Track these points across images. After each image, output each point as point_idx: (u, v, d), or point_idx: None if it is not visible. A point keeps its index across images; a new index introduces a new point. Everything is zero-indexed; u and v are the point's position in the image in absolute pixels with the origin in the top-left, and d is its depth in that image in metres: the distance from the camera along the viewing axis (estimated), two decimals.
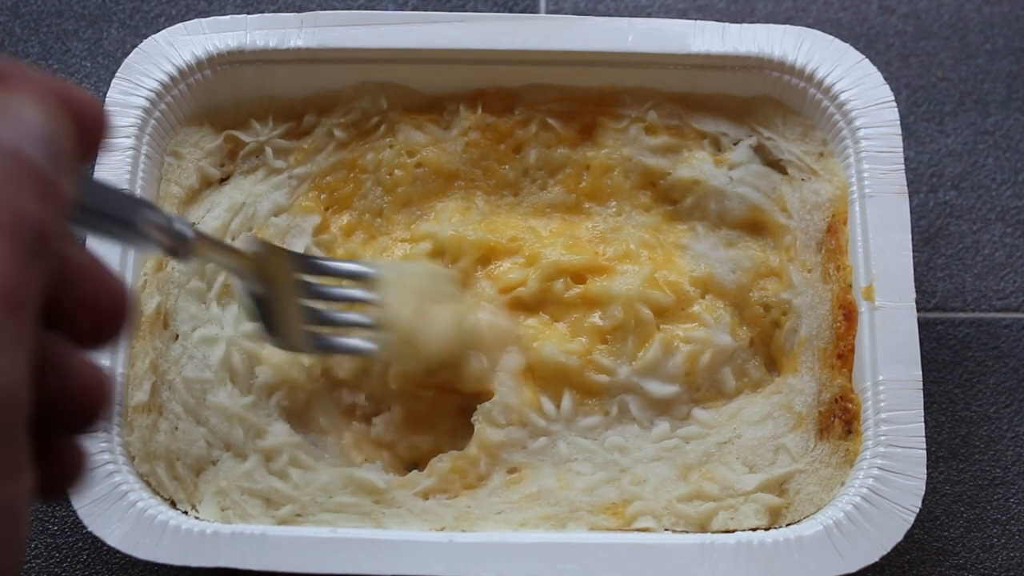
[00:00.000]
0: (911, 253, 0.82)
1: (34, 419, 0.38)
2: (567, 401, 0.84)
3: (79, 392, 0.42)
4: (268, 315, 0.68)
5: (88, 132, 0.43)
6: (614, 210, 0.91)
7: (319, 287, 0.74)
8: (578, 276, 0.87)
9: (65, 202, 0.39)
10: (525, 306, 0.87)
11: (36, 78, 0.41)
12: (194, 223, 0.55)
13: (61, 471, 0.43)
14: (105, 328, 0.43)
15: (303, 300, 0.72)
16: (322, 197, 0.91)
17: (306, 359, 0.83)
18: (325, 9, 1.00)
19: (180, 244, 0.54)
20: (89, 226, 0.45)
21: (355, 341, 0.76)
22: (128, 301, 0.43)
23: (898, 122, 0.85)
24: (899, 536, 0.75)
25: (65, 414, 0.42)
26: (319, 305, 0.74)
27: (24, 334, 0.36)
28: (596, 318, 0.86)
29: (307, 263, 0.73)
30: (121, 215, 0.48)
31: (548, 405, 0.84)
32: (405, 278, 0.78)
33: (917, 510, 0.76)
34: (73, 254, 0.42)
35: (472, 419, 0.84)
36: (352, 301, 0.76)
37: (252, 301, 0.67)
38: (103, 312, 0.42)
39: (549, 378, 0.85)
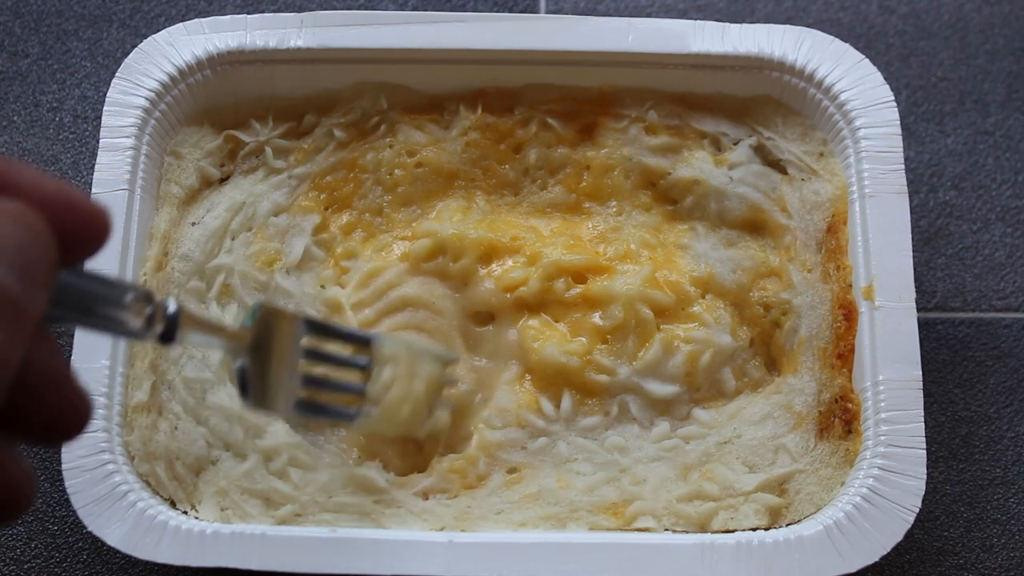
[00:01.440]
0: (911, 253, 0.82)
1: None
2: (567, 401, 0.84)
3: (7, 489, 0.42)
4: (253, 380, 0.66)
5: (85, 234, 0.43)
6: (614, 210, 0.91)
7: (317, 351, 0.73)
8: (579, 276, 0.87)
9: (31, 321, 0.39)
10: (527, 305, 0.87)
11: (35, 186, 0.41)
12: (180, 303, 0.54)
13: None
14: (60, 434, 0.43)
15: (298, 363, 0.70)
16: (322, 197, 0.91)
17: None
18: (325, 9, 1.00)
19: (168, 325, 0.53)
20: (69, 321, 0.45)
21: (337, 408, 0.74)
22: (87, 415, 0.43)
23: (898, 122, 0.85)
24: (899, 536, 0.75)
25: None
26: (316, 371, 0.72)
27: None
28: (596, 318, 0.86)
29: (312, 326, 0.72)
30: (103, 311, 0.47)
31: (547, 406, 0.84)
32: (402, 354, 0.77)
33: (917, 510, 0.76)
34: (37, 357, 0.42)
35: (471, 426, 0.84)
36: (348, 366, 0.74)
37: (239, 371, 0.66)
38: (66, 417, 0.43)
39: (549, 379, 0.85)
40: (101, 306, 0.47)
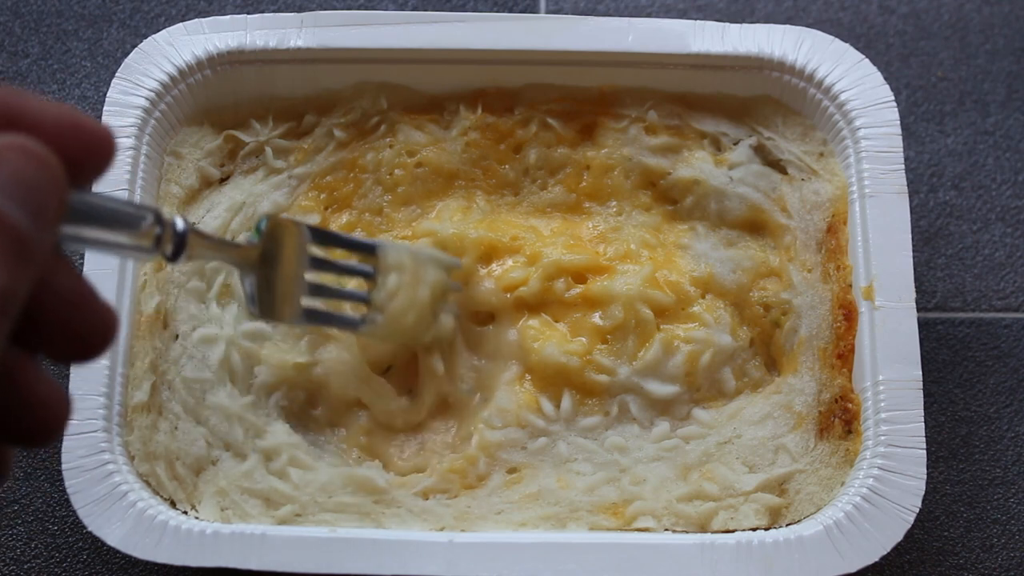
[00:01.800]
0: (911, 253, 0.82)
1: None
2: (567, 401, 0.84)
3: (36, 409, 0.42)
4: (261, 291, 0.69)
5: (92, 156, 0.44)
6: (614, 210, 0.91)
7: (323, 259, 0.75)
8: (579, 276, 0.87)
9: (39, 256, 0.40)
10: (527, 305, 0.87)
11: (37, 108, 0.42)
12: (195, 223, 0.56)
13: None
14: (88, 349, 0.44)
15: (304, 272, 0.73)
16: (322, 197, 0.91)
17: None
18: (325, 9, 1.00)
19: (177, 243, 0.54)
20: (82, 239, 0.46)
21: (343, 315, 0.78)
22: (114, 326, 0.44)
23: (898, 122, 0.85)
24: (899, 536, 0.75)
25: (16, 427, 0.42)
26: (320, 278, 0.76)
27: None
28: (596, 318, 0.86)
29: (317, 235, 0.74)
30: (114, 228, 0.48)
31: (547, 406, 0.84)
32: (407, 261, 0.79)
33: (917, 510, 0.76)
34: (58, 278, 0.42)
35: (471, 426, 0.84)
36: (353, 274, 0.78)
37: (243, 285, 0.68)
38: (87, 335, 0.43)
39: (549, 379, 0.85)
40: (114, 226, 0.48)
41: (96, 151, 0.44)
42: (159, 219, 0.51)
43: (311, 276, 0.74)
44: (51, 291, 0.42)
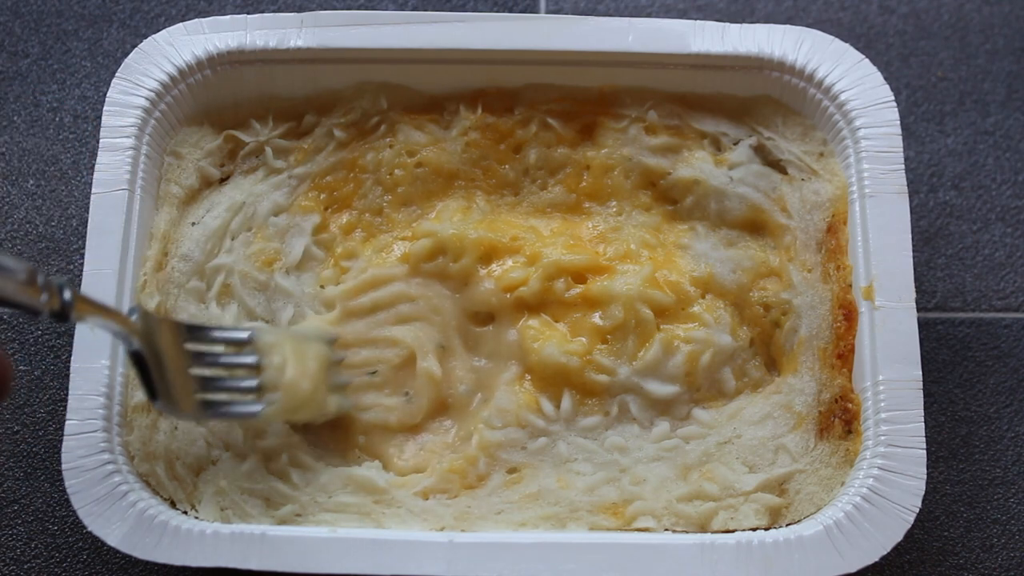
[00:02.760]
0: (911, 253, 0.82)
1: None
2: (567, 401, 0.84)
3: None
4: (155, 380, 0.70)
5: None
6: (614, 210, 0.91)
7: (204, 354, 0.75)
8: (579, 276, 0.87)
9: None
10: (527, 306, 0.87)
11: None
12: (72, 286, 0.59)
13: None
14: None
15: (191, 369, 0.74)
16: (322, 197, 0.91)
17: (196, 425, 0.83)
18: (325, 9, 1.00)
19: (63, 307, 0.57)
20: None
21: (242, 406, 0.76)
22: (4, 382, 0.44)
23: (898, 122, 0.85)
24: (899, 536, 0.75)
25: None
26: (205, 372, 0.75)
27: None
28: (596, 318, 0.86)
29: (189, 331, 0.75)
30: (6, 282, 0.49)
31: (547, 406, 0.84)
32: (284, 339, 0.80)
33: (917, 510, 0.76)
34: None
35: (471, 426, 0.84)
36: (237, 367, 0.77)
37: (137, 367, 0.69)
38: None
39: (549, 379, 0.85)
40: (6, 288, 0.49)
41: None
42: (46, 281, 0.53)
43: (196, 371, 0.74)
44: None
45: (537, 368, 0.85)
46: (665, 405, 0.85)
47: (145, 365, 0.69)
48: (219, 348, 0.76)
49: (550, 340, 0.85)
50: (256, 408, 0.77)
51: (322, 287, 0.88)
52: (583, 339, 0.85)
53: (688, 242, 0.89)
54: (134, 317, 0.68)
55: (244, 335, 0.78)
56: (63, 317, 0.57)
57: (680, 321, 0.86)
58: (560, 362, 0.84)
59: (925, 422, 0.78)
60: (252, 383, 0.77)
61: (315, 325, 0.85)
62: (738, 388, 0.86)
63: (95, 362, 0.79)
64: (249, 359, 0.77)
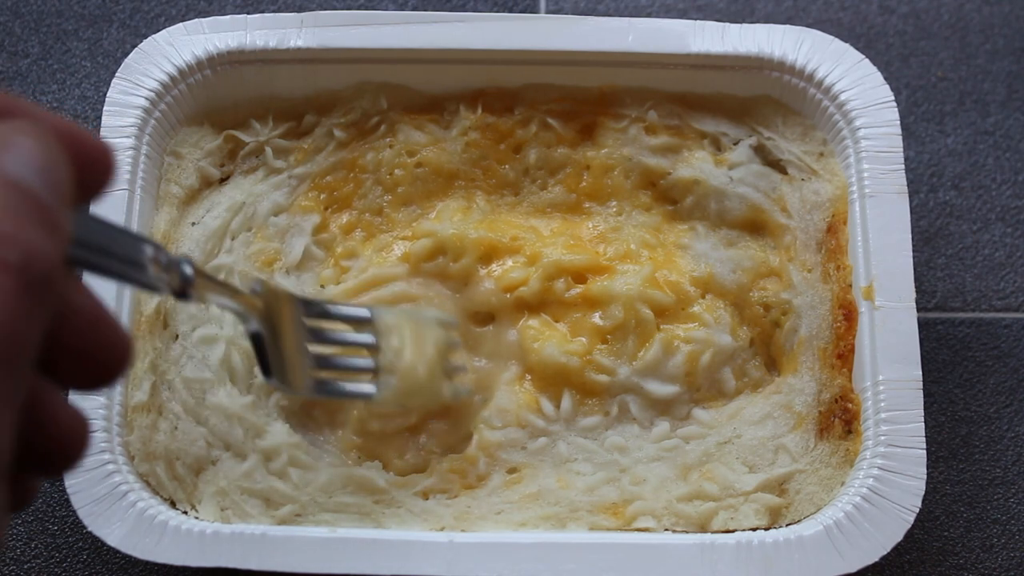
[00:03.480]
0: (911, 253, 0.82)
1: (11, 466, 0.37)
2: (567, 401, 0.84)
3: (60, 439, 0.41)
4: (268, 357, 0.68)
5: (92, 171, 0.42)
6: (614, 210, 0.91)
7: (322, 331, 0.74)
8: (579, 276, 0.87)
9: (66, 237, 0.38)
10: (527, 306, 0.87)
11: (40, 113, 0.40)
12: (196, 262, 0.55)
13: (15, 505, 0.42)
14: (103, 375, 0.42)
15: (306, 344, 0.72)
16: (322, 197, 0.91)
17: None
18: (325, 9, 1.00)
19: (183, 284, 0.54)
20: (89, 265, 0.44)
21: (357, 385, 0.76)
22: (129, 350, 0.42)
23: (898, 122, 0.85)
24: (899, 536, 0.75)
25: (41, 458, 0.41)
26: (322, 349, 0.74)
27: (13, 390, 0.35)
28: (596, 318, 0.86)
29: (309, 307, 0.73)
30: (125, 253, 0.47)
31: (547, 406, 0.84)
32: (404, 321, 0.78)
33: (917, 510, 0.76)
34: (73, 296, 0.40)
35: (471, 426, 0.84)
36: (355, 346, 0.76)
37: (253, 342, 0.67)
38: (102, 360, 0.41)
39: (549, 379, 0.85)
40: (121, 251, 0.47)
41: (97, 165, 0.42)
42: (168, 257, 0.51)
43: (313, 348, 0.72)
44: (67, 309, 0.40)
45: (537, 368, 0.85)
46: (665, 405, 0.85)
47: (262, 343, 0.67)
48: (338, 326, 0.75)
49: (550, 340, 0.85)
50: (370, 389, 0.76)
51: (322, 287, 0.88)
52: (583, 339, 0.85)
53: (688, 242, 0.89)
54: (255, 292, 0.67)
55: (365, 313, 0.77)
56: (183, 295, 0.54)
57: (680, 321, 0.86)
58: (560, 362, 0.84)
59: (925, 422, 0.78)
60: (369, 364, 0.76)
61: (435, 311, 0.84)
62: (738, 388, 0.86)
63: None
64: (367, 339, 0.76)
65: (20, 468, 0.40)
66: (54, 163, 0.38)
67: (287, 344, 0.70)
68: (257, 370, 0.84)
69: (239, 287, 0.65)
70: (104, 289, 0.80)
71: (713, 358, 0.85)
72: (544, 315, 0.87)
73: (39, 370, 0.40)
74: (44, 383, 0.40)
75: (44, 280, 0.36)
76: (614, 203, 0.91)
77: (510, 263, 0.87)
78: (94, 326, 0.41)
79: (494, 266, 0.88)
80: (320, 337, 0.74)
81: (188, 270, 0.54)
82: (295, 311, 0.71)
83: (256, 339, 0.67)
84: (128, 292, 0.82)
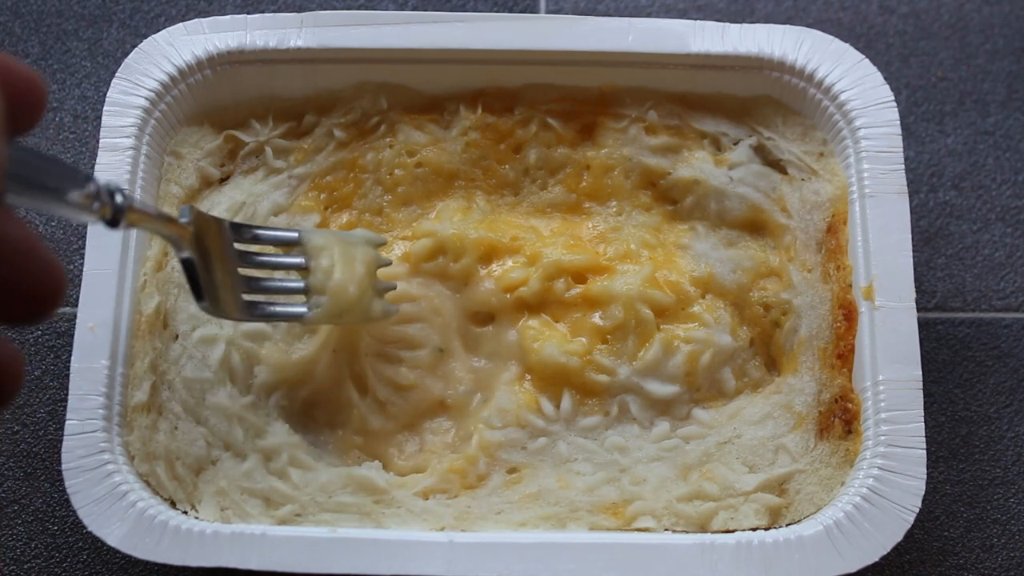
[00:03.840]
0: (911, 253, 0.82)
1: None
2: (567, 401, 0.84)
3: None
4: (202, 282, 0.70)
5: (24, 102, 0.42)
6: (614, 210, 0.91)
7: (252, 255, 0.76)
8: (579, 276, 0.87)
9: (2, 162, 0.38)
10: (527, 306, 0.87)
11: None
12: (127, 191, 0.58)
13: None
14: (36, 308, 0.41)
15: (238, 268, 0.74)
16: (322, 197, 0.91)
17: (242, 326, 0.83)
18: (325, 9, 1.00)
19: (115, 212, 0.56)
20: (18, 194, 0.45)
21: (288, 307, 0.77)
22: (62, 281, 0.42)
23: (898, 122, 0.85)
24: (899, 536, 0.75)
25: None
26: (253, 272, 0.76)
27: None
28: (596, 318, 0.86)
29: (239, 231, 0.75)
30: (54, 183, 0.48)
31: (547, 406, 0.84)
32: (333, 241, 0.80)
33: (917, 510, 0.76)
34: (7, 229, 0.40)
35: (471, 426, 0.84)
36: (285, 268, 0.78)
37: (186, 269, 0.69)
38: (34, 291, 0.41)
39: (549, 379, 0.85)
40: (50, 182, 0.48)
41: (29, 94, 0.42)
42: (98, 186, 0.53)
43: (243, 271, 0.74)
44: (3, 238, 0.40)
45: (537, 368, 0.85)
46: (665, 405, 0.85)
47: (194, 269, 0.68)
48: (267, 249, 0.77)
49: (550, 340, 0.85)
50: (301, 310, 0.77)
51: None
52: (583, 339, 0.85)
53: (688, 242, 0.89)
54: (185, 220, 0.68)
55: (293, 235, 0.78)
56: (114, 223, 0.56)
57: (680, 321, 0.86)
58: (560, 362, 0.84)
59: (925, 422, 0.78)
60: (299, 284, 0.77)
61: (363, 230, 0.85)
62: (738, 388, 0.86)
63: (95, 362, 0.79)
64: (297, 260, 0.78)
65: None
66: None
67: (218, 269, 0.71)
68: (257, 369, 0.84)
69: (170, 214, 0.67)
70: (105, 289, 0.80)
71: (713, 358, 0.85)
72: (544, 315, 0.87)
73: None
74: None
75: None
76: (614, 203, 0.91)
77: (510, 263, 0.87)
78: (25, 256, 0.41)
79: (494, 266, 0.88)
80: (250, 261, 0.75)
81: (119, 199, 0.56)
82: (225, 236, 0.73)
83: (188, 265, 0.69)
84: (128, 293, 0.82)
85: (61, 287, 0.42)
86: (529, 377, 0.85)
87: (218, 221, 0.73)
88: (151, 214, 0.64)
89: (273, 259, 0.77)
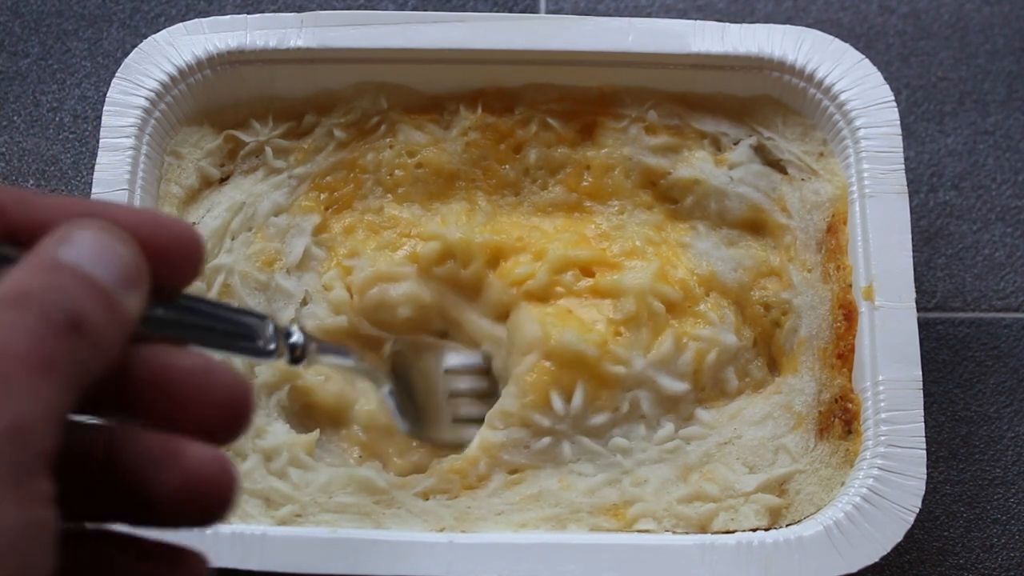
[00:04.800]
0: (911, 253, 0.82)
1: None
2: (579, 396, 0.82)
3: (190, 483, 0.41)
4: (404, 404, 0.74)
5: (177, 255, 0.43)
6: (616, 209, 0.91)
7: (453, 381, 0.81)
8: (586, 269, 0.86)
9: (125, 315, 0.40)
10: (536, 299, 0.86)
11: (120, 211, 0.42)
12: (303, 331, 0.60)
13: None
14: (225, 426, 0.43)
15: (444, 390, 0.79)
16: (322, 197, 0.91)
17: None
18: (325, 9, 1.00)
19: (299, 354, 0.57)
20: (205, 343, 0.46)
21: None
22: (248, 398, 0.43)
23: (898, 122, 0.85)
24: (899, 536, 0.75)
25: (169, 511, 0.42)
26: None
27: (56, 399, 0.37)
28: (608, 309, 0.85)
29: (444, 353, 0.79)
30: (227, 329, 0.49)
31: (557, 402, 0.82)
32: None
33: (917, 510, 0.76)
34: (174, 360, 0.42)
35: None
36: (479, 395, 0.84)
37: (392, 400, 0.72)
38: (219, 411, 0.43)
39: (566, 366, 0.82)
40: (223, 328, 0.49)
41: (179, 250, 0.43)
42: (275, 331, 0.52)
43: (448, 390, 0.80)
44: (164, 369, 0.42)
45: (555, 354, 0.82)
46: (673, 403, 0.84)
47: (393, 400, 0.73)
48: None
49: (569, 327, 0.83)
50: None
51: (326, 288, 0.88)
52: (600, 327, 0.84)
53: (689, 241, 0.89)
54: (391, 346, 0.72)
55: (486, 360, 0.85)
56: (296, 362, 0.57)
57: (688, 317, 0.85)
58: (579, 349, 0.82)
59: (925, 422, 0.78)
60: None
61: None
62: (740, 388, 0.86)
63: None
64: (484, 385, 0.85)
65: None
66: (113, 250, 0.40)
67: (427, 393, 0.76)
68: (258, 369, 0.84)
69: (360, 357, 0.70)
70: None
71: (719, 357, 0.84)
72: (560, 302, 0.86)
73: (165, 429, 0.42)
74: (166, 437, 0.42)
75: (71, 321, 0.37)
76: (615, 202, 0.91)
77: (519, 260, 0.87)
78: (202, 383, 0.43)
79: (502, 268, 0.87)
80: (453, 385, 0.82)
81: (296, 338, 0.57)
82: (438, 359, 0.79)
83: (396, 395, 0.73)
84: None
85: (246, 401, 0.43)
86: (548, 363, 0.83)
87: (428, 344, 0.78)
88: (338, 349, 0.65)
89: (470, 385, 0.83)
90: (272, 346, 0.51)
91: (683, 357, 0.84)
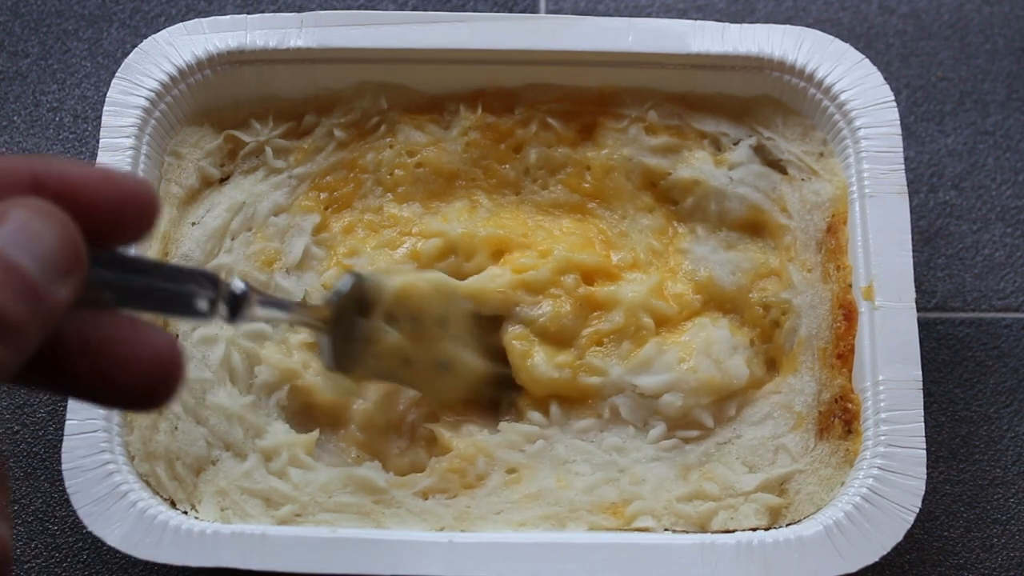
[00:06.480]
0: (911, 253, 0.82)
1: None
2: (555, 409, 0.84)
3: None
4: (336, 345, 0.74)
5: (131, 209, 0.43)
6: (619, 214, 0.91)
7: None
8: (588, 277, 0.87)
9: (52, 306, 0.39)
10: (530, 289, 0.86)
11: (69, 169, 0.42)
12: (253, 287, 0.58)
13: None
14: (153, 390, 0.43)
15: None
16: (322, 197, 0.91)
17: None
18: (325, 9, 1.00)
19: (238, 304, 0.55)
20: (134, 306, 0.46)
21: None
22: (176, 359, 0.43)
23: (898, 122, 0.85)
24: (899, 536, 0.75)
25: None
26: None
27: None
28: (595, 321, 0.85)
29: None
30: (165, 294, 0.48)
31: (536, 416, 0.84)
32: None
33: (917, 510, 0.76)
34: (101, 328, 0.42)
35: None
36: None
37: (326, 340, 0.72)
38: (146, 372, 0.43)
39: (541, 397, 0.85)
40: (171, 298, 0.48)
41: (133, 205, 0.43)
42: (215, 285, 0.51)
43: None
44: (95, 345, 0.42)
45: (530, 386, 0.84)
46: (655, 402, 0.84)
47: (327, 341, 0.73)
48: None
49: (539, 354, 0.84)
50: None
51: (325, 287, 0.88)
52: (572, 350, 0.85)
53: (688, 246, 0.89)
54: (343, 286, 0.72)
55: None
56: (232, 319, 0.55)
57: (680, 330, 0.86)
58: (552, 377, 0.83)
59: (925, 422, 0.78)
60: None
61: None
62: (740, 388, 0.86)
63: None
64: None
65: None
66: (44, 235, 0.39)
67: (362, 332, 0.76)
68: (258, 369, 0.84)
69: (302, 304, 0.69)
70: None
71: (713, 360, 0.85)
72: (522, 327, 0.86)
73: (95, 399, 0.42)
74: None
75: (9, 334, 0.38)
76: (617, 206, 0.91)
77: (524, 254, 0.87)
78: (129, 345, 0.43)
79: (506, 259, 0.88)
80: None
81: (239, 287, 0.55)
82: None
83: (320, 340, 0.73)
84: None
85: (174, 358, 0.43)
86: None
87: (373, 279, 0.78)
88: (279, 302, 0.64)
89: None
90: (204, 305, 0.50)
91: (664, 357, 0.84)
